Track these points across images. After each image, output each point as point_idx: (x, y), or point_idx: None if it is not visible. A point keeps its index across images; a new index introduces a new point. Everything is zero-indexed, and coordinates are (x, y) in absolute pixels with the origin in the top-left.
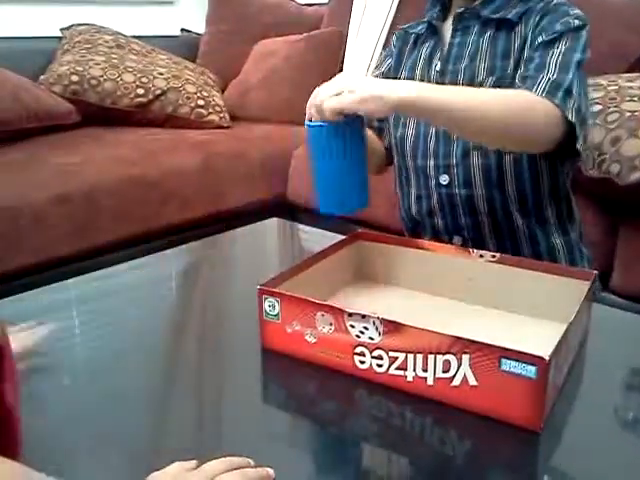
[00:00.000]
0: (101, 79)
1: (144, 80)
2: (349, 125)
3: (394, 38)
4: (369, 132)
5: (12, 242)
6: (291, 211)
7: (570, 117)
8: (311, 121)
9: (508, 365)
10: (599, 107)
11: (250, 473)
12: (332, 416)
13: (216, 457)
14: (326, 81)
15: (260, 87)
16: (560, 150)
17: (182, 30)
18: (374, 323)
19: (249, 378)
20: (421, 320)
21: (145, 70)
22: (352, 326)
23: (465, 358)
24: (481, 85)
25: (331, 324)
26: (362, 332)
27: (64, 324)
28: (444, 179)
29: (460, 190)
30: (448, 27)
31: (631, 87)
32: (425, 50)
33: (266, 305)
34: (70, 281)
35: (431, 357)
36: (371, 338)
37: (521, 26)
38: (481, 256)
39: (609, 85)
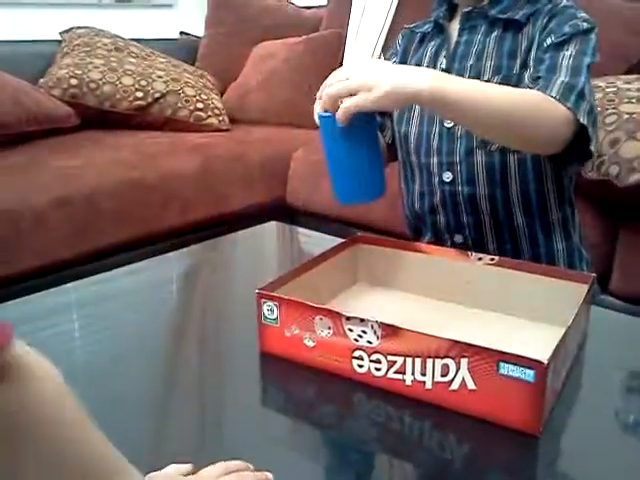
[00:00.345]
0: (100, 82)
1: (143, 83)
2: (361, 114)
3: (399, 37)
4: None
5: (13, 245)
6: (290, 214)
7: (582, 120)
8: (326, 111)
9: (506, 369)
10: (597, 109)
11: (249, 477)
12: (331, 420)
13: (215, 461)
14: None
15: (259, 90)
16: (567, 153)
17: (181, 33)
18: (372, 327)
19: (248, 382)
20: (419, 323)
21: (144, 73)
22: (350, 330)
23: (463, 362)
24: None
25: (329, 328)
26: (360, 336)
27: (64, 328)
28: (447, 176)
29: (463, 188)
30: (455, 26)
31: (629, 89)
32: (431, 48)
33: (265, 309)
34: (70, 285)
35: (429, 361)
36: (369, 342)
37: (529, 27)
38: (480, 259)
39: (607, 87)
